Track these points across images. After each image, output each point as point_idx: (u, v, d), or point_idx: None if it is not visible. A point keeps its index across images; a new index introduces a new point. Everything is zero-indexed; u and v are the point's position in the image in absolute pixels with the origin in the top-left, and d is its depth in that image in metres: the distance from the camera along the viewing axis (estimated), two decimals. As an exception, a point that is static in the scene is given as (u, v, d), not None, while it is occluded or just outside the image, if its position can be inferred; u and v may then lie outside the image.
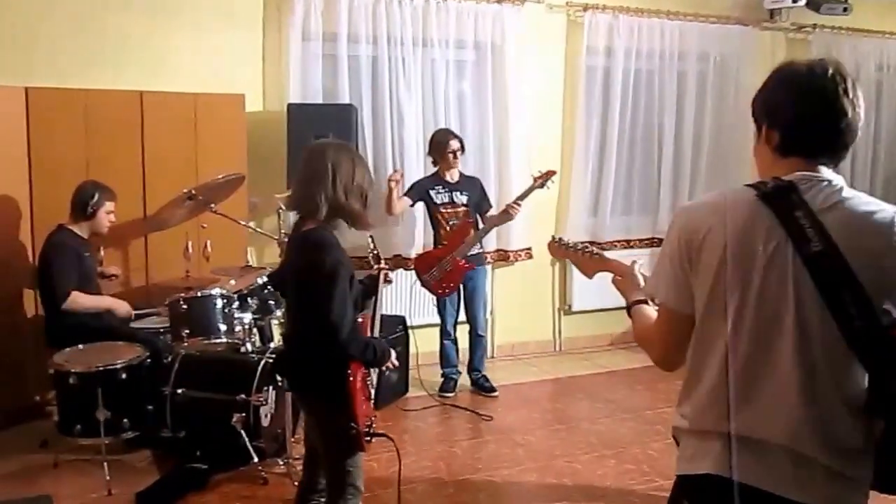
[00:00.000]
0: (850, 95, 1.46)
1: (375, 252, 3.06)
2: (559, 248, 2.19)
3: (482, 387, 5.09)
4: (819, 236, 1.39)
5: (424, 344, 5.14)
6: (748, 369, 1.45)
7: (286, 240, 3.44)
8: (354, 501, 2.50)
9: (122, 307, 4.16)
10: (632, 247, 6.19)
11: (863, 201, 1.46)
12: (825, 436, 1.41)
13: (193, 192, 3.98)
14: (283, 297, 2.82)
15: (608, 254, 2.10)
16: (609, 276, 1.98)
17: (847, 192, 1.47)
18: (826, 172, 1.48)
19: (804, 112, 1.48)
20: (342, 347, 2.38)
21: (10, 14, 4.47)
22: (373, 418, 2.64)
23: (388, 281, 3.04)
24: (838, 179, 1.49)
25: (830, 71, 1.47)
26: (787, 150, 1.51)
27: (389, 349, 2.58)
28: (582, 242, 2.17)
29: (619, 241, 6.17)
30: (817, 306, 1.39)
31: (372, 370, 2.72)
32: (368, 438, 2.52)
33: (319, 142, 2.66)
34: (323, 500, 2.62)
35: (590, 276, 2.11)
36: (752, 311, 1.45)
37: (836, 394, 1.41)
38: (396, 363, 2.68)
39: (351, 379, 2.43)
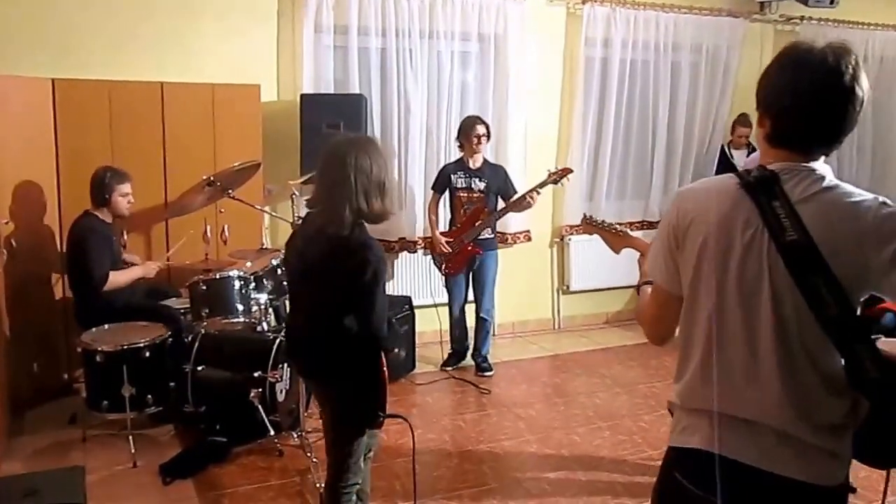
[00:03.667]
0: (849, 85, 1.35)
1: None
2: (589, 225, 2.24)
3: (479, 366, 5.00)
4: (795, 226, 1.34)
5: (429, 323, 5.10)
6: (731, 351, 1.43)
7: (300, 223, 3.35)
8: (355, 479, 2.46)
9: (149, 269, 4.10)
10: (625, 229, 6.12)
11: (843, 192, 1.38)
12: (806, 414, 1.38)
13: (212, 178, 3.91)
14: (302, 286, 2.52)
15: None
16: (626, 253, 2.02)
17: (828, 183, 1.39)
18: (814, 163, 1.41)
19: (792, 105, 1.39)
20: (382, 346, 2.39)
21: (38, 10, 4.39)
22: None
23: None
24: (823, 170, 1.41)
25: (831, 60, 1.36)
26: (776, 140, 1.43)
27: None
28: (609, 221, 2.23)
29: (613, 224, 6.11)
30: (791, 293, 1.36)
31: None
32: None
33: (338, 142, 2.36)
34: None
35: (617, 251, 2.15)
36: (731, 297, 1.42)
37: (813, 374, 1.38)
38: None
39: (385, 370, 2.40)
